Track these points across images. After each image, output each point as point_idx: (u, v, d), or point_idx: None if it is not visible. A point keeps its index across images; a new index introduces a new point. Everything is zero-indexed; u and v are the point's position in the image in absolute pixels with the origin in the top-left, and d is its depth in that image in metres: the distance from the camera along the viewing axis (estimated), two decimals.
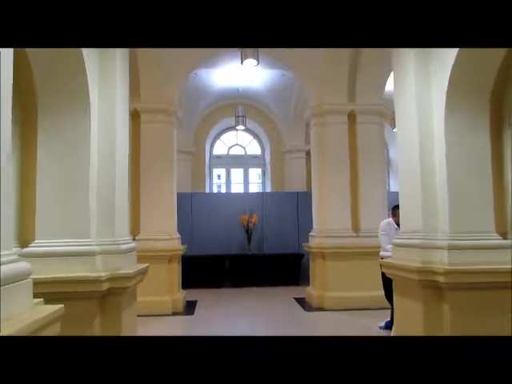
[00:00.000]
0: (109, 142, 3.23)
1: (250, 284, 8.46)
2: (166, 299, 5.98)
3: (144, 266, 3.60)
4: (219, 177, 10.87)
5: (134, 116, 6.39)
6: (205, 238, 8.91)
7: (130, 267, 3.15)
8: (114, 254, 3.05)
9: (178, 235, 6.58)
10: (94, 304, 2.81)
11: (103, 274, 2.79)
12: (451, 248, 2.89)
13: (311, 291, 6.65)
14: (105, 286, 2.81)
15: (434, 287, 2.93)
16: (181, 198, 9.05)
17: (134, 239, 6.09)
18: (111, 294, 2.91)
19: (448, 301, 2.86)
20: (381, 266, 4.72)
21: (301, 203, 9.22)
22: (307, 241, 7.21)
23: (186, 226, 8.88)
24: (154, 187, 6.24)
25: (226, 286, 8.48)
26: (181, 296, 6.29)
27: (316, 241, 6.55)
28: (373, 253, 6.27)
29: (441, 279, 2.81)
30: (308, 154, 10.04)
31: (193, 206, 9.08)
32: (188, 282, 8.21)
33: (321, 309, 6.24)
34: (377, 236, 6.34)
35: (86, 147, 3.00)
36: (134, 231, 6.22)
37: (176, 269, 6.25)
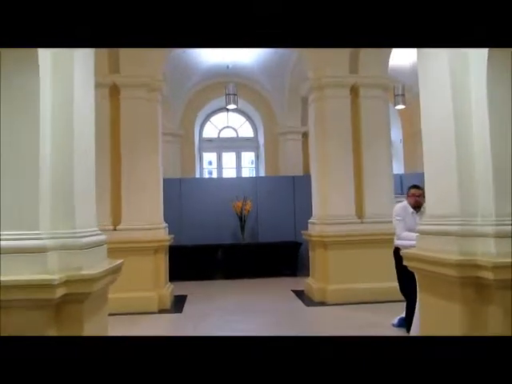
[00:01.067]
0: (65, 116, 2.52)
1: (244, 275, 7.88)
2: (151, 295, 5.37)
3: (117, 262, 2.94)
4: (210, 163, 10.20)
5: (113, 92, 5.69)
6: (195, 226, 8.29)
7: (95, 266, 2.47)
8: (73, 250, 2.35)
9: (165, 224, 5.95)
10: (46, 315, 2.15)
11: (57, 277, 2.14)
12: (499, 235, 2.30)
13: (311, 283, 6.08)
14: (59, 292, 2.13)
15: (476, 285, 2.35)
16: (169, 183, 8.38)
17: (114, 229, 5.48)
18: (69, 301, 2.22)
19: (496, 302, 2.28)
20: (395, 255, 4.15)
21: (297, 188, 8.62)
22: (305, 228, 6.63)
23: (174, 214, 8.24)
24: (136, 171, 5.57)
25: (219, 277, 7.90)
26: (168, 291, 5.69)
27: (316, 228, 5.96)
28: (379, 240, 5.71)
29: (488, 275, 2.22)
30: (304, 135, 9.42)
31: (182, 193, 8.44)
32: (177, 274, 7.60)
33: (323, 303, 5.68)
34: (383, 222, 5.80)
35: (34, 119, 2.32)
36: (115, 221, 5.58)
37: (163, 261, 5.63)
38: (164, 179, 8.58)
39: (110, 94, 5.66)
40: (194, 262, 7.81)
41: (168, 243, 5.72)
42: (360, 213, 5.90)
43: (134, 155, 5.59)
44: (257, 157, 10.23)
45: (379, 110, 6.04)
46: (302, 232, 6.43)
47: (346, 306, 5.41)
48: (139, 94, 5.65)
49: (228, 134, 10.26)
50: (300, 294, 6.30)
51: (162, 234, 5.65)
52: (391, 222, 5.61)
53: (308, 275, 6.59)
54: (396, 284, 4.35)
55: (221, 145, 10.13)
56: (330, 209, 5.83)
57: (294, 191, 8.62)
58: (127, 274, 5.21)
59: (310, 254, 6.35)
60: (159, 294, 5.46)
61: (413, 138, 9.48)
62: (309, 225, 6.38)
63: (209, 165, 10.20)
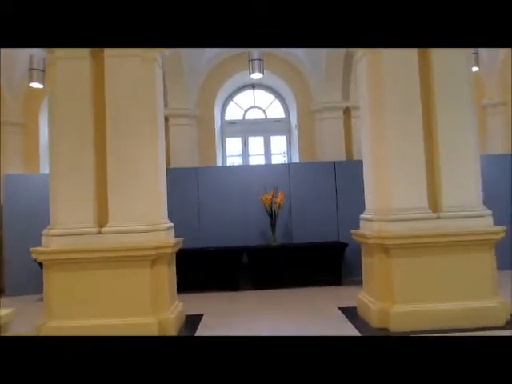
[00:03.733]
0: None
1: (275, 285, 6.36)
2: (148, 321, 3.94)
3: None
4: (234, 150, 8.71)
5: (95, 51, 4.28)
6: (215, 225, 6.85)
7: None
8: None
9: (169, 224, 4.50)
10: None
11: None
12: None
13: (366, 300, 4.49)
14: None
15: None
16: (183, 174, 6.99)
17: (99, 233, 4.09)
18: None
19: None
20: None
21: (340, 176, 7.01)
22: (351, 225, 5.08)
23: (191, 209, 6.84)
24: (127, 156, 4.15)
25: (244, 287, 6.41)
26: (173, 314, 4.23)
27: (373, 226, 4.35)
28: (464, 242, 4.09)
29: None
30: (346, 112, 7.77)
31: (200, 185, 7.00)
32: (192, 284, 6.20)
33: (384, 329, 4.09)
34: (468, 217, 4.15)
35: None
36: (101, 221, 4.18)
37: (165, 274, 4.17)
38: (177, 169, 7.23)
39: (91, 51, 4.24)
40: (213, 268, 6.36)
41: (173, 249, 4.25)
42: (434, 205, 4.25)
43: (124, 136, 4.17)
44: (289, 141, 8.64)
45: (459, 66, 4.35)
46: (352, 231, 4.83)
47: (418, 333, 3.78)
48: (129, 51, 4.20)
49: (254, 115, 8.73)
50: (350, 314, 4.72)
51: (163, 237, 4.20)
52: (481, 216, 4.02)
53: (356, 284, 5.07)
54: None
55: (246, 128, 8.62)
56: (392, 200, 4.20)
57: (336, 180, 7.01)
58: (116, 294, 3.79)
59: (364, 260, 4.74)
60: (160, 319, 4.02)
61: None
62: (361, 222, 4.78)
63: (232, 152, 8.71)
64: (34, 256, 4.12)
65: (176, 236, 4.70)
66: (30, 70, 6.33)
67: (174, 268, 4.61)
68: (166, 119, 7.71)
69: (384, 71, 4.31)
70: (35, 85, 6.41)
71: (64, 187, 4.15)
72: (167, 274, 4.22)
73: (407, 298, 4.05)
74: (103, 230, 4.09)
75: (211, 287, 6.38)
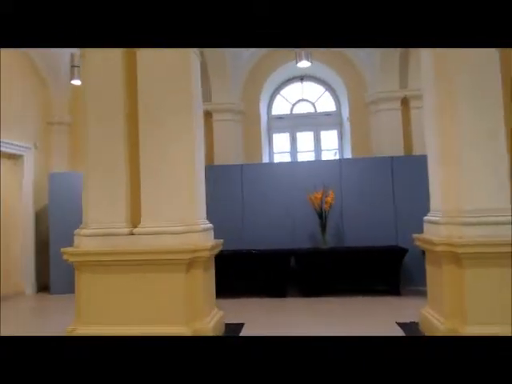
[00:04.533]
0: None
1: (325, 292, 5.81)
2: (181, 331, 3.55)
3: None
4: (281, 146, 8.22)
5: None
6: (261, 225, 6.41)
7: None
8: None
9: (207, 224, 4.11)
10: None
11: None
12: None
13: (431, 317, 3.85)
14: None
15: None
16: (227, 171, 6.61)
17: (131, 234, 3.77)
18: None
19: None
20: None
21: (398, 172, 6.33)
22: (411, 228, 4.44)
23: (234, 209, 6.45)
24: (161, 153, 3.79)
25: (292, 294, 5.91)
26: (211, 323, 3.83)
27: (441, 230, 3.70)
28: None
29: None
30: (404, 102, 7.04)
31: (244, 183, 6.59)
32: (236, 288, 5.81)
33: None
34: None
35: None
36: (134, 220, 3.87)
37: (200, 280, 3.77)
38: (221, 166, 6.88)
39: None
40: (258, 272, 5.92)
41: (210, 252, 3.85)
42: None
43: (158, 133, 3.81)
44: (340, 136, 8.02)
45: None
46: (415, 236, 4.18)
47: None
48: None
49: (303, 108, 8.19)
50: (411, 332, 4.09)
51: (199, 239, 3.80)
52: None
53: (416, 294, 4.51)
54: None
55: (294, 123, 8.10)
56: (465, 199, 3.53)
57: (393, 177, 6.33)
58: (148, 300, 3.42)
59: (429, 269, 4.09)
60: (195, 329, 3.63)
61: None
62: (425, 225, 4.13)
63: (280, 148, 8.22)
64: (65, 257, 3.89)
65: (217, 237, 4.30)
66: (72, 67, 6.23)
67: (213, 273, 4.21)
68: (210, 114, 7.39)
69: (454, 56, 3.64)
70: (77, 82, 6.30)
71: (95, 185, 3.89)
72: (204, 280, 3.82)
73: (484, 318, 3.38)
74: (135, 230, 3.76)
75: (255, 293, 5.95)
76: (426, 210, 4.18)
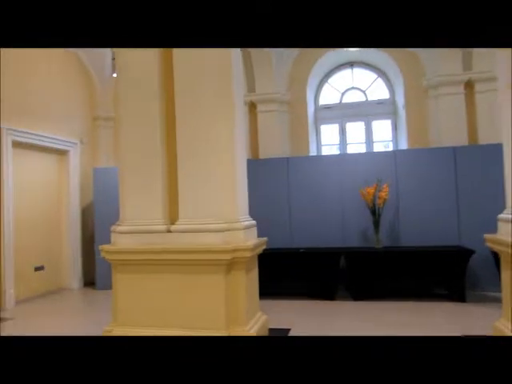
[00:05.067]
0: None
1: (378, 296, 5.33)
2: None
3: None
4: (330, 137, 7.75)
5: None
6: (308, 222, 6.01)
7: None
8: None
9: (250, 221, 3.79)
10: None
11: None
12: None
13: (508, 331, 3.30)
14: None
15: None
16: (272, 165, 6.27)
17: (168, 231, 3.53)
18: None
19: None
20: None
21: (461, 164, 5.69)
22: (477, 226, 3.92)
23: (280, 205, 6.10)
24: (200, 146, 3.50)
25: (341, 297, 5.48)
26: (252, 329, 3.50)
27: None
28: None
29: None
30: (469, 85, 6.35)
31: (290, 177, 6.22)
32: (282, 289, 5.47)
33: None
34: None
35: None
36: (172, 217, 3.62)
37: (242, 282, 3.46)
38: (265, 160, 6.53)
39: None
40: (305, 273, 5.54)
41: (252, 252, 3.52)
42: None
43: (196, 125, 3.52)
44: (394, 125, 7.43)
45: None
46: (487, 237, 3.62)
47: None
48: None
49: (353, 97, 7.67)
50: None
51: (242, 238, 3.48)
52: None
53: (484, 301, 4.33)
54: None
55: (344, 113, 7.60)
56: None
57: (456, 169, 5.70)
58: (185, 302, 3.15)
59: (504, 275, 3.53)
60: (236, 335, 3.32)
61: None
62: (499, 224, 3.56)
63: (328, 140, 7.76)
64: (102, 255, 3.71)
65: (261, 235, 3.98)
66: (113, 59, 6.12)
67: (256, 273, 3.88)
68: (254, 105, 7.08)
69: None
70: None
71: (131, 180, 3.67)
72: (246, 281, 3.50)
73: None
74: (173, 227, 3.51)
75: (302, 295, 5.57)
76: (493, 206, 3.63)
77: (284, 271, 5.55)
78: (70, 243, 7.04)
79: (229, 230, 3.43)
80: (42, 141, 6.45)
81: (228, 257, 3.31)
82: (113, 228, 3.79)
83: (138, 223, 3.59)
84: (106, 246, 3.68)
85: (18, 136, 6.00)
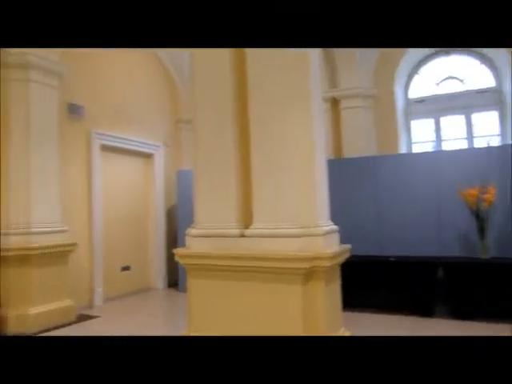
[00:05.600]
0: None
1: (486, 315, 4.59)
2: None
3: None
4: (424, 134, 7.02)
5: None
6: (399, 227, 5.43)
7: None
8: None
9: (331, 226, 3.40)
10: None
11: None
12: None
13: None
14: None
15: None
16: (358, 165, 5.80)
17: (242, 236, 3.30)
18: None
19: None
20: None
21: None
22: None
23: (366, 208, 5.61)
24: (275, 146, 3.21)
25: (440, 313, 4.82)
26: None
27: None
28: None
29: None
30: None
31: (378, 178, 5.69)
32: (370, 303, 5.00)
33: None
34: None
35: None
36: (246, 220, 3.38)
37: (321, 294, 3.06)
38: (349, 159, 6.06)
39: None
40: (397, 285, 4.98)
41: (333, 261, 3.13)
42: None
43: (270, 123, 3.24)
44: (500, 118, 6.49)
45: None
46: None
47: None
48: None
49: (450, 88, 6.86)
50: None
51: (322, 245, 3.12)
52: None
53: None
54: None
55: (439, 106, 6.83)
56: None
57: None
58: (259, 314, 2.90)
59: None
60: None
61: None
62: None
63: (420, 137, 7.03)
64: (176, 258, 3.60)
65: (344, 242, 3.58)
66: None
67: (338, 285, 3.49)
68: (337, 102, 6.65)
69: None
70: None
71: (204, 183, 3.51)
72: (326, 293, 3.12)
73: None
74: (246, 232, 3.26)
75: (393, 309, 5.02)
76: None
77: (370, 282, 5.06)
78: (154, 244, 7.22)
79: (307, 236, 3.09)
80: (129, 144, 6.68)
81: (305, 265, 2.97)
82: (187, 231, 3.67)
83: (210, 227, 3.41)
84: (179, 250, 3.56)
85: (105, 140, 6.27)
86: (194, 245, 3.49)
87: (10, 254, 4.64)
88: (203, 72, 3.61)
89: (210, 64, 3.57)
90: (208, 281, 3.36)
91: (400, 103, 6.86)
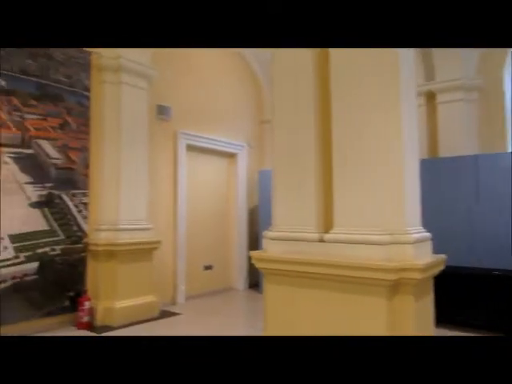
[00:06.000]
0: None
1: None
2: None
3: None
4: None
5: None
6: (504, 237, 4.74)
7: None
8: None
9: (422, 233, 3.01)
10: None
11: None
12: None
13: None
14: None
15: None
16: (457, 164, 5.20)
17: (321, 241, 3.07)
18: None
19: None
20: None
21: None
22: None
23: (466, 214, 5.01)
24: (359, 145, 2.92)
25: None
26: None
27: None
28: None
29: None
30: None
31: (480, 178, 5.04)
32: (468, 321, 4.44)
33: None
34: None
35: None
36: (326, 224, 3.13)
37: (411, 310, 2.70)
38: (446, 159, 5.46)
39: None
40: (502, 302, 4.34)
41: (424, 274, 2.75)
42: None
43: (355, 121, 2.95)
44: None
45: None
46: None
47: None
48: None
49: None
50: None
51: (412, 254, 2.76)
52: None
53: None
54: None
55: None
56: None
57: None
58: (339, 328, 2.72)
59: None
60: None
61: None
62: None
63: None
64: (253, 261, 3.47)
65: (438, 252, 3.16)
66: None
67: (430, 300, 3.07)
68: (433, 96, 6.05)
69: None
70: None
71: (283, 183, 3.35)
72: (415, 310, 2.75)
73: None
74: (326, 236, 3.01)
75: (496, 329, 4.38)
76: None
77: (471, 299, 4.47)
78: (236, 245, 7.23)
79: (394, 244, 2.75)
80: (213, 144, 6.75)
81: (392, 277, 2.63)
82: (264, 233, 3.52)
83: (287, 229, 3.22)
84: (255, 253, 3.42)
85: (191, 140, 6.39)
86: (271, 248, 3.33)
87: (99, 249, 4.90)
88: (283, 71, 3.47)
89: (290, 63, 3.41)
90: (283, 286, 3.17)
91: (508, 95, 6.03)
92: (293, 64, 3.41)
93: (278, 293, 3.21)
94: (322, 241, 3.03)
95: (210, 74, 6.76)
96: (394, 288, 2.71)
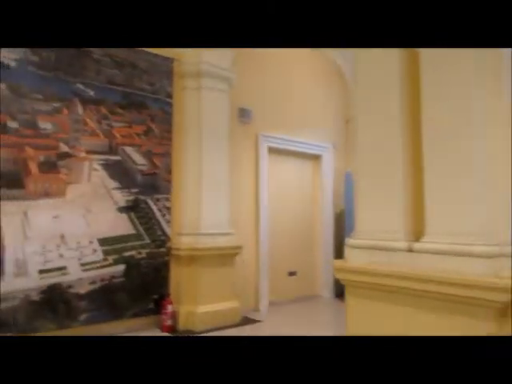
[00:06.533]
0: None
1: None
2: None
3: None
4: None
5: None
6: None
7: None
8: None
9: None
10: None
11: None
12: None
13: None
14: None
15: None
16: None
17: (410, 250, 2.69)
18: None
19: None
20: None
21: None
22: None
23: None
24: (453, 145, 2.48)
25: None
26: None
27: None
28: None
29: None
30: None
31: None
32: None
33: None
34: None
35: None
36: (417, 231, 2.72)
37: None
38: None
39: None
40: None
41: None
42: None
43: (449, 124, 2.51)
44: None
45: None
46: None
47: None
48: None
49: None
50: None
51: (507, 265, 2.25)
52: None
53: None
54: None
55: None
56: None
57: None
58: None
59: None
60: None
61: None
62: None
63: None
64: (334, 272, 3.16)
65: None
66: None
67: None
68: None
69: None
70: None
71: (367, 187, 3.00)
72: None
73: None
74: (416, 246, 2.60)
75: None
76: None
77: None
78: (322, 251, 6.90)
79: (500, 257, 2.27)
80: (295, 146, 6.52)
81: (502, 298, 2.14)
82: (346, 240, 3.19)
83: (371, 237, 2.86)
84: (336, 262, 3.11)
85: (272, 142, 6.23)
86: (352, 257, 3.00)
87: (181, 253, 4.94)
88: (367, 72, 3.13)
89: (375, 64, 3.07)
90: (366, 300, 2.82)
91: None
92: (378, 64, 3.08)
93: (360, 307, 2.87)
94: (410, 250, 2.63)
95: (289, 73, 6.56)
96: (505, 310, 2.22)
